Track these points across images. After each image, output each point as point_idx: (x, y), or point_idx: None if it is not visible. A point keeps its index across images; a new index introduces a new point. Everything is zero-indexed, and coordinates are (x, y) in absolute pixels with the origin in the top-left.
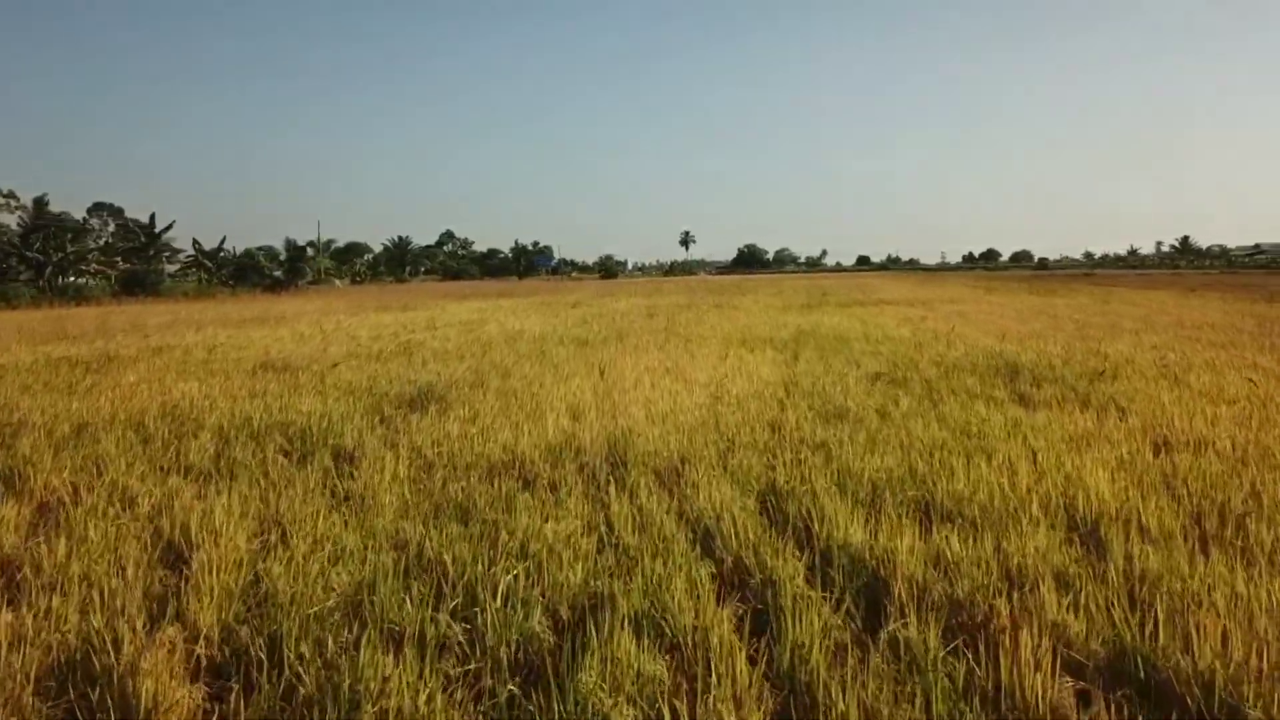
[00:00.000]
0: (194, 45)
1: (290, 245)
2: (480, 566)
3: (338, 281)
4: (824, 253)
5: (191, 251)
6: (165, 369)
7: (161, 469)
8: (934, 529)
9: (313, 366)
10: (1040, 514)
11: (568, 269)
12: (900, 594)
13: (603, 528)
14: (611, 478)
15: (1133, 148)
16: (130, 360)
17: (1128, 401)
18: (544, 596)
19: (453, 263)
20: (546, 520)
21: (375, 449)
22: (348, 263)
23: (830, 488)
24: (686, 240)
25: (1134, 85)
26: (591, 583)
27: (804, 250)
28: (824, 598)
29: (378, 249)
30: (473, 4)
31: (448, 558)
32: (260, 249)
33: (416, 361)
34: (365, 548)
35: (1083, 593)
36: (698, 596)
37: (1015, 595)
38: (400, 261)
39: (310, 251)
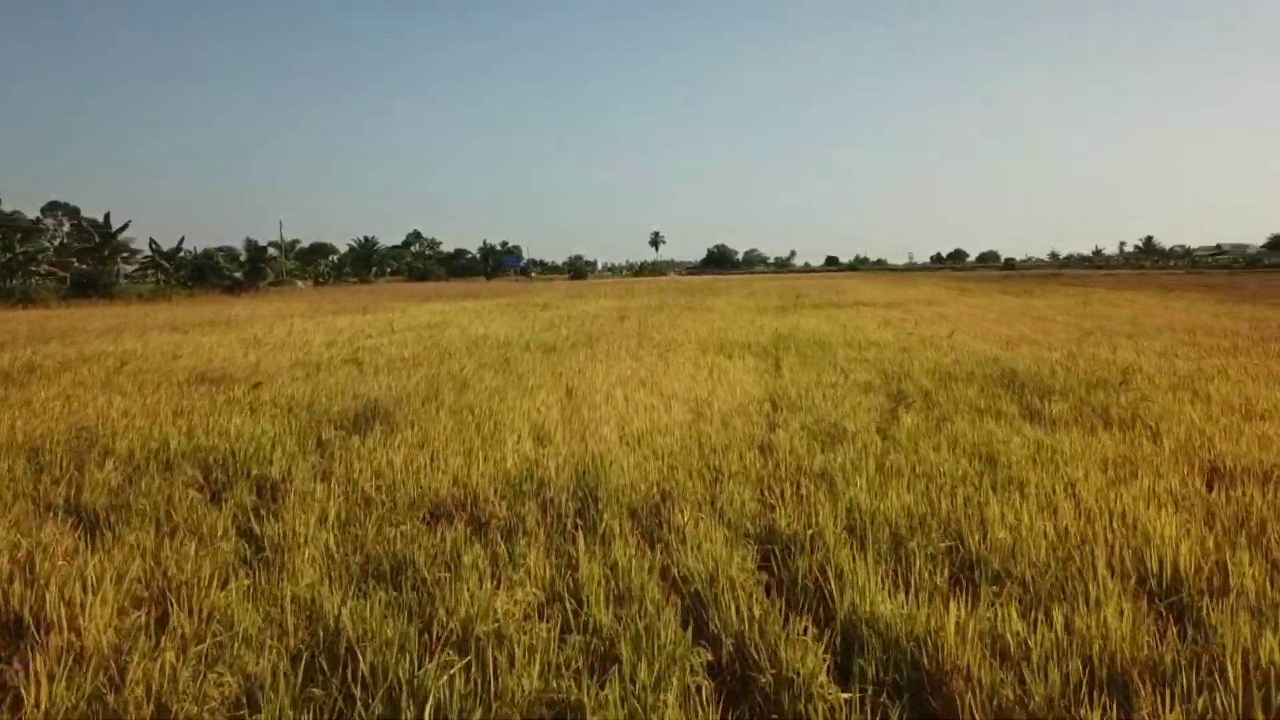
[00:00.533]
0: (162, 45)
1: (251, 245)
2: (408, 662)
3: (300, 283)
4: (793, 253)
5: (149, 252)
6: (90, 381)
7: (45, 509)
8: (980, 595)
9: (253, 377)
10: (1107, 574)
11: (536, 269)
12: (963, 701)
13: (568, 598)
14: (580, 521)
15: (1096, 150)
16: (53, 371)
17: (1154, 419)
18: (488, 716)
19: (419, 263)
20: (499, 586)
21: (305, 482)
22: (312, 263)
23: (841, 534)
24: (656, 241)
25: (1106, 88)
26: (553, 685)
27: (773, 251)
28: (858, 700)
29: (343, 249)
30: (443, 4)
31: (367, 649)
32: (220, 249)
33: (368, 371)
34: (265, 627)
35: (1200, 701)
36: (695, 709)
37: (1113, 705)
38: (366, 262)
39: (272, 252)
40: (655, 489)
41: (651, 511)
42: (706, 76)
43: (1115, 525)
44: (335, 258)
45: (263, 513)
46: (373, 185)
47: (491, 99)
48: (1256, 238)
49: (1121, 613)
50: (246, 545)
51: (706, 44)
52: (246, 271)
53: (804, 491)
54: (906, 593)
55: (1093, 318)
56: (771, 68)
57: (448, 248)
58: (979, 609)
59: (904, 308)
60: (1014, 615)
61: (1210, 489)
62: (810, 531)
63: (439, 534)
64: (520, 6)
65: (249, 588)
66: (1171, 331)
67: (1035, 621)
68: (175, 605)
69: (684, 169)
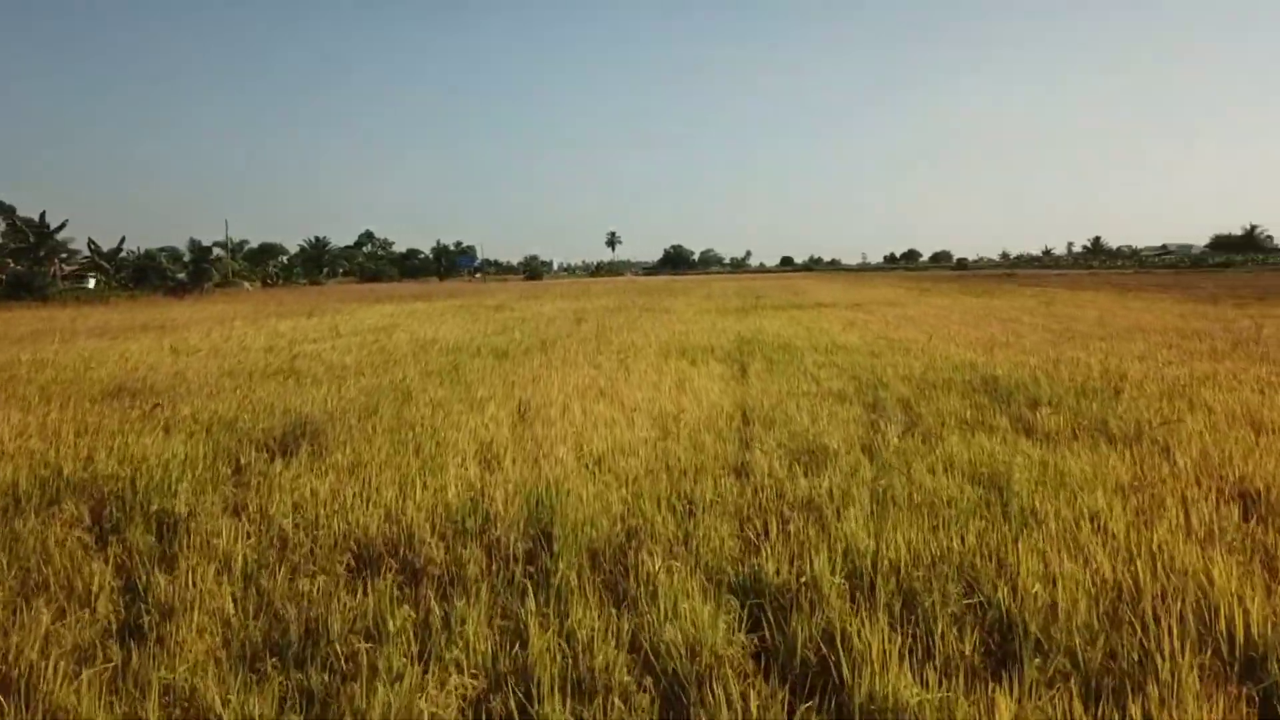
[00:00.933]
0: (105, 42)
1: (195, 246)
2: None
3: (248, 284)
4: (748, 254)
5: (88, 253)
6: None
7: None
8: (1025, 673)
9: (179, 388)
10: (1174, 643)
11: (491, 269)
12: None
13: (515, 686)
14: (531, 569)
15: (1051, 151)
16: None
17: (1160, 433)
18: None
19: (372, 264)
20: (427, 668)
21: (212, 518)
22: (261, 264)
23: (840, 584)
24: (613, 241)
25: (1063, 89)
26: None
27: (729, 251)
28: None
29: (294, 250)
30: (405, 4)
31: None
32: (163, 250)
33: (305, 382)
34: None
35: None
36: None
37: None
38: (317, 263)
39: (218, 252)
40: (619, 525)
41: (616, 554)
42: (666, 78)
43: (1161, 571)
44: (285, 258)
45: (159, 555)
46: (325, 185)
47: (448, 99)
48: (1199, 238)
49: (1208, 700)
50: (126, 608)
51: (664, 45)
52: (190, 273)
53: (791, 528)
54: (933, 667)
55: (1059, 319)
56: (732, 67)
57: (400, 248)
58: (1028, 696)
59: (866, 309)
60: (1078, 707)
61: (1247, 519)
62: (803, 580)
63: (362, 588)
64: (480, 5)
65: (115, 671)
66: (1143, 334)
67: (1105, 717)
68: (7, 705)
69: (641, 169)
